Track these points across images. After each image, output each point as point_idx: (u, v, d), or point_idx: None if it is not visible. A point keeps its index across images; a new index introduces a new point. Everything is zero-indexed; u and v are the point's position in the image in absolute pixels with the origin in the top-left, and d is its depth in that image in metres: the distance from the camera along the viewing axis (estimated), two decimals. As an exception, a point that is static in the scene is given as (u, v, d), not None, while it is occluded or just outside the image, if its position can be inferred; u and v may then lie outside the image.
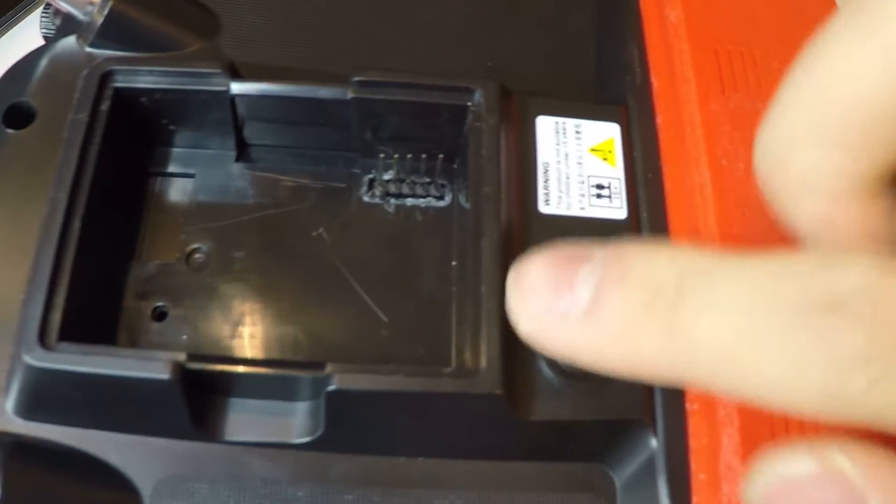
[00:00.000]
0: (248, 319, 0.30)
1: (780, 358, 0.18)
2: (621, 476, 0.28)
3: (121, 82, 0.30)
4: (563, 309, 0.20)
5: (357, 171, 0.32)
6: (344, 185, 0.32)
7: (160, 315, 0.30)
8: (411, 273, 0.31)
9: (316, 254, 0.31)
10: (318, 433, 0.27)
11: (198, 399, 0.27)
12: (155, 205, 0.32)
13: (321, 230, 0.31)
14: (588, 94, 0.33)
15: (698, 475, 0.27)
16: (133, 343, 0.30)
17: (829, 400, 0.17)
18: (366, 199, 0.32)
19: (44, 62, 0.32)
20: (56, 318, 0.27)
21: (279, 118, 0.31)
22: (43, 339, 0.27)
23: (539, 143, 0.30)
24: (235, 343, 0.30)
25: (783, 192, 0.21)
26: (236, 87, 0.30)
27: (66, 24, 0.33)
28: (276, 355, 0.30)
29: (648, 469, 0.27)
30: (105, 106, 0.30)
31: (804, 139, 0.20)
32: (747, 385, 0.18)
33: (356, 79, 0.30)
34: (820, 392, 0.17)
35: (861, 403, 0.17)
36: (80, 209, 0.28)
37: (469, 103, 0.30)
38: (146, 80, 0.30)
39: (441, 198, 0.32)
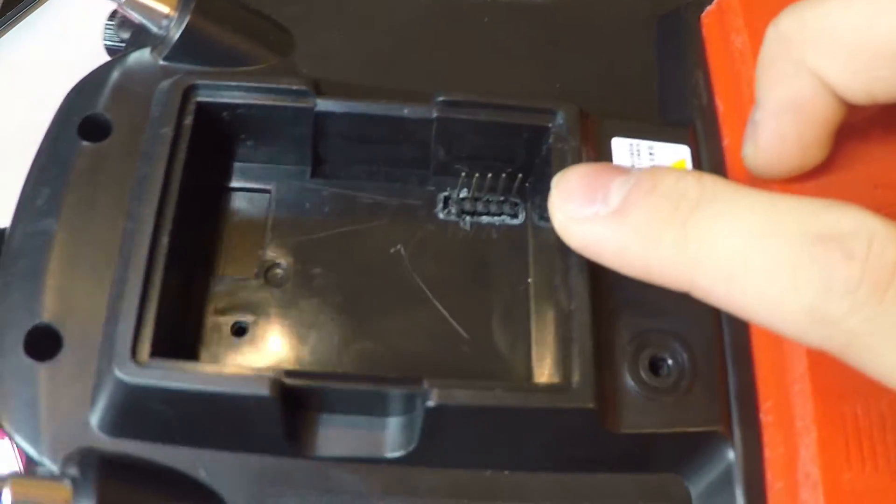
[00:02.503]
0: (328, 336, 0.29)
1: (775, 274, 0.19)
2: (697, 486, 0.27)
3: (203, 97, 0.29)
4: (596, 208, 0.22)
5: (431, 188, 0.31)
6: (419, 202, 0.31)
7: (240, 330, 0.29)
8: (489, 290, 0.30)
9: (394, 270, 0.30)
10: (411, 448, 0.26)
11: (291, 415, 0.26)
12: (232, 219, 0.30)
13: (399, 247, 0.30)
14: (652, 115, 0.32)
15: (775, 484, 0.26)
16: (215, 358, 0.28)
17: (810, 320, 0.19)
18: (441, 216, 0.31)
19: (117, 74, 0.30)
20: (147, 334, 0.25)
21: (359, 135, 0.30)
22: (135, 355, 0.25)
23: (615, 164, 0.29)
24: (316, 359, 0.28)
25: (779, 69, 0.24)
26: (322, 105, 0.29)
27: (137, 37, 0.31)
28: (357, 371, 0.28)
29: (725, 479, 0.27)
30: (188, 121, 0.28)
31: (829, 41, 0.23)
32: (740, 295, 0.20)
33: (441, 99, 0.29)
34: (803, 311, 0.19)
35: (836, 328, 0.19)
36: (167, 225, 0.27)
37: (550, 125, 0.29)
38: (230, 95, 0.29)
39: (515, 216, 0.31)
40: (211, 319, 0.29)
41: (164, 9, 0.29)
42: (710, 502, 0.27)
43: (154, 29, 0.30)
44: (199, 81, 0.28)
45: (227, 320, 0.29)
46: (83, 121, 0.29)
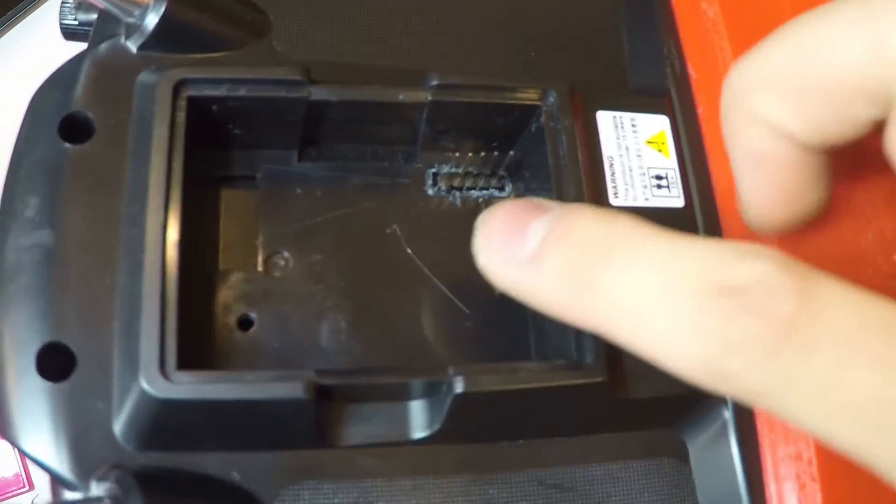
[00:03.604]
0: (334, 321, 0.28)
1: (675, 326, 0.19)
2: (694, 441, 0.29)
3: (194, 91, 0.27)
4: (514, 252, 0.22)
5: (418, 164, 0.31)
6: (408, 180, 0.30)
7: (247, 323, 0.28)
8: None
9: (392, 251, 0.29)
10: (434, 429, 0.27)
11: (320, 410, 0.26)
12: (222, 210, 0.29)
13: (394, 227, 0.30)
14: (622, 81, 0.32)
15: (767, 436, 0.28)
16: (226, 356, 0.27)
17: (705, 370, 0.19)
18: (430, 192, 0.30)
19: (90, 67, 0.28)
20: (172, 347, 0.24)
21: (350, 118, 0.29)
22: (164, 370, 0.24)
23: (602, 137, 0.30)
24: (326, 346, 0.28)
25: (735, 122, 0.23)
26: (317, 94, 0.27)
27: (105, 24, 0.29)
28: (368, 355, 0.28)
29: (721, 434, 0.28)
30: (181, 118, 0.26)
31: (769, 83, 0.22)
32: (641, 341, 0.20)
33: (435, 83, 0.28)
34: (700, 361, 0.19)
35: (731, 382, 0.19)
36: (175, 233, 0.25)
37: (541, 103, 0.29)
38: (222, 88, 0.27)
39: (502, 188, 0.31)
40: (217, 316, 0.28)
41: (138, -4, 0.27)
42: (707, 455, 0.29)
43: (126, 18, 0.28)
44: (189, 76, 0.26)
45: (233, 315, 0.28)
46: (63, 121, 0.27)
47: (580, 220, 0.21)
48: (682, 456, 0.29)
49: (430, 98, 0.28)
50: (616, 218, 0.21)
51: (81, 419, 0.25)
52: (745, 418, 0.28)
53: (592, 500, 0.28)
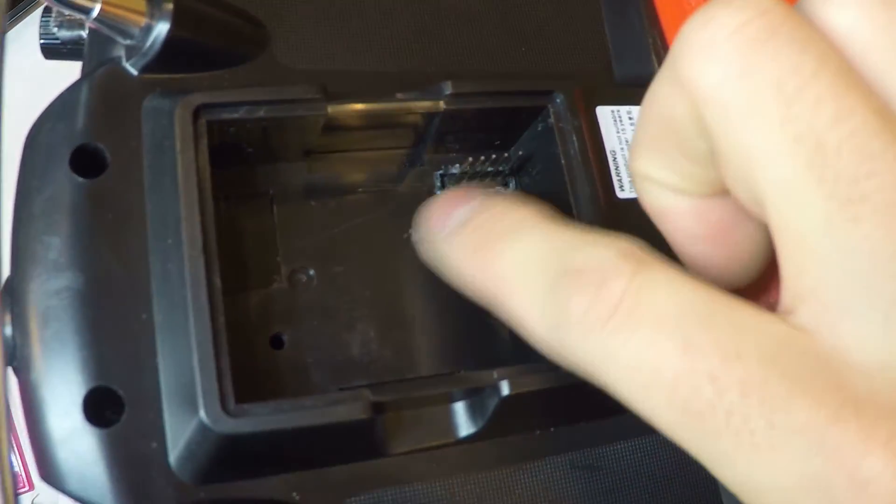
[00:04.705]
0: (363, 332, 0.28)
1: (531, 298, 0.22)
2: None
3: (212, 115, 0.26)
4: (438, 230, 0.25)
5: (424, 166, 0.31)
6: (418, 183, 0.30)
7: (277, 342, 0.28)
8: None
9: (411, 256, 0.29)
10: (478, 428, 0.27)
11: (376, 424, 0.26)
12: (239, 229, 0.28)
13: (410, 232, 0.30)
14: (608, 75, 0.33)
15: None
16: (266, 377, 0.27)
17: (546, 341, 0.21)
18: (439, 194, 0.30)
19: (93, 95, 0.26)
20: (228, 381, 0.24)
21: (361, 128, 0.28)
22: (224, 405, 0.24)
23: (603, 132, 0.30)
24: (359, 357, 0.28)
25: (635, 185, 0.24)
26: (335, 110, 0.27)
27: (99, 46, 0.27)
28: (399, 361, 0.29)
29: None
30: (203, 145, 0.25)
31: (638, 143, 0.23)
32: (509, 312, 0.22)
33: (449, 92, 0.28)
34: (543, 333, 0.21)
35: (566, 352, 0.21)
36: (215, 265, 0.25)
37: (549, 105, 0.29)
38: (241, 110, 0.26)
39: (506, 186, 0.31)
40: (251, 336, 0.27)
41: (137, 19, 0.26)
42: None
43: (124, 40, 0.26)
44: (207, 101, 0.25)
45: (266, 334, 0.28)
46: (74, 154, 0.25)
47: (493, 206, 0.24)
48: None
49: (444, 107, 0.28)
50: (524, 205, 0.23)
51: (138, 461, 0.24)
52: None
53: (621, 476, 0.29)
